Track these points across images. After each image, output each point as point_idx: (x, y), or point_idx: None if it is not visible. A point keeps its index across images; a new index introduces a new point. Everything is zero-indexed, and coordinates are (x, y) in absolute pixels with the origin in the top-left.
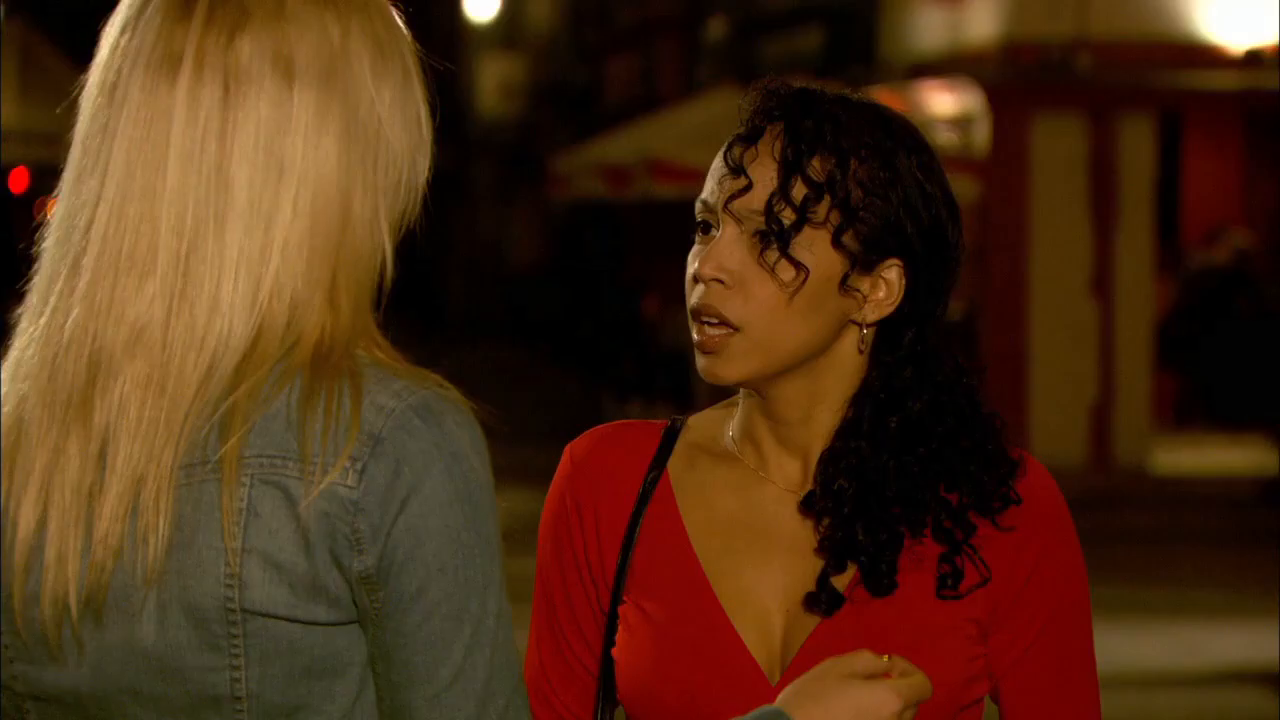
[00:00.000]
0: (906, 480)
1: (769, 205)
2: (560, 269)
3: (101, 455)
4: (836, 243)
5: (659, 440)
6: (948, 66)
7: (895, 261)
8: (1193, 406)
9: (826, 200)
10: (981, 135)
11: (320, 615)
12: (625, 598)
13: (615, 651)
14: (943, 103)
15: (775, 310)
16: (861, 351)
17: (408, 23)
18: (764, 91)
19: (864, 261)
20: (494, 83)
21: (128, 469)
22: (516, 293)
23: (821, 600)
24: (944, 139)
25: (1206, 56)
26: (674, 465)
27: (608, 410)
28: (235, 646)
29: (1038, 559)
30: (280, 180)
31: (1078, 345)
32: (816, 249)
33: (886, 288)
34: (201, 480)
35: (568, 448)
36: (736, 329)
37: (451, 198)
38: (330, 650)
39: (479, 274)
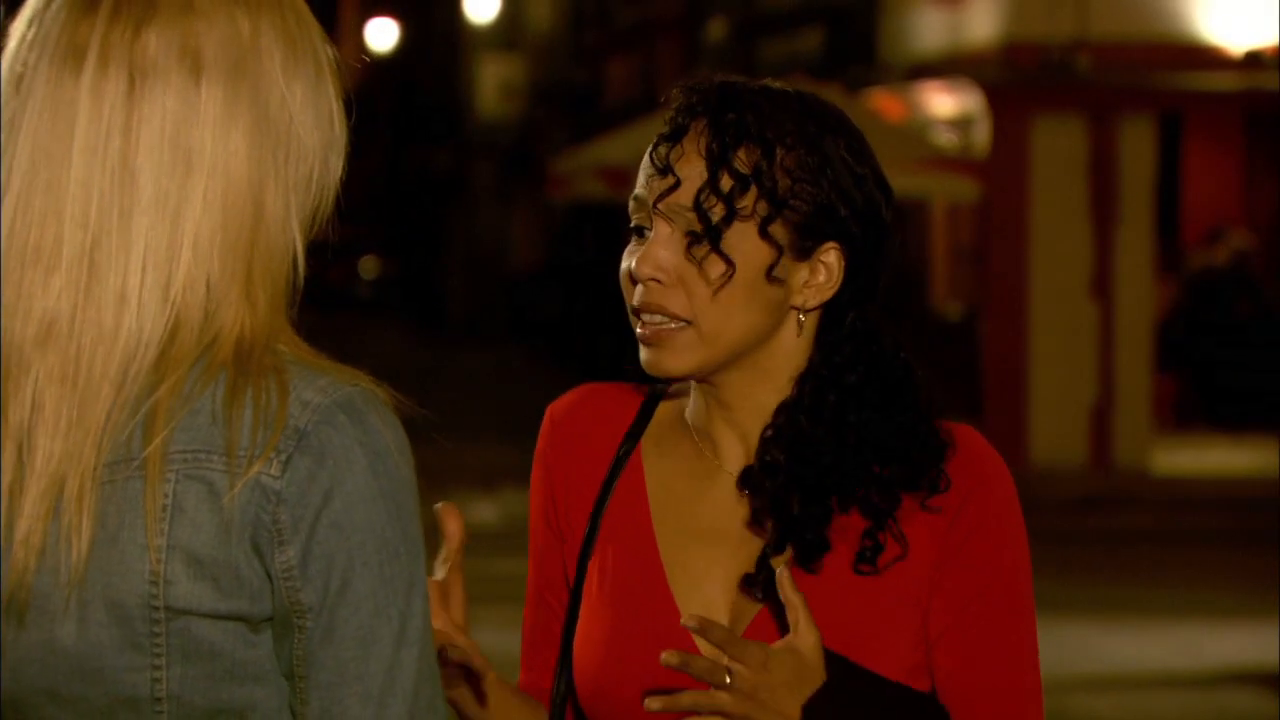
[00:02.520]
0: (840, 450)
1: (698, 200)
2: (560, 269)
3: (19, 454)
4: (763, 233)
5: (637, 410)
6: (948, 67)
7: (833, 245)
8: (1193, 408)
9: (753, 191)
10: (981, 136)
11: (243, 609)
12: (589, 568)
13: (576, 634)
14: (943, 103)
15: (716, 302)
16: (800, 335)
17: (408, 24)
18: (686, 89)
19: (799, 248)
20: (494, 83)
21: (48, 468)
22: (516, 293)
23: (758, 580)
24: (944, 140)
25: (1207, 57)
26: (647, 442)
27: None
28: (157, 646)
29: (970, 528)
30: (188, 174)
31: (1078, 345)
32: (748, 241)
33: (826, 272)
34: (126, 478)
35: (548, 408)
36: (688, 322)
37: (451, 198)
38: (252, 655)
39: (479, 274)
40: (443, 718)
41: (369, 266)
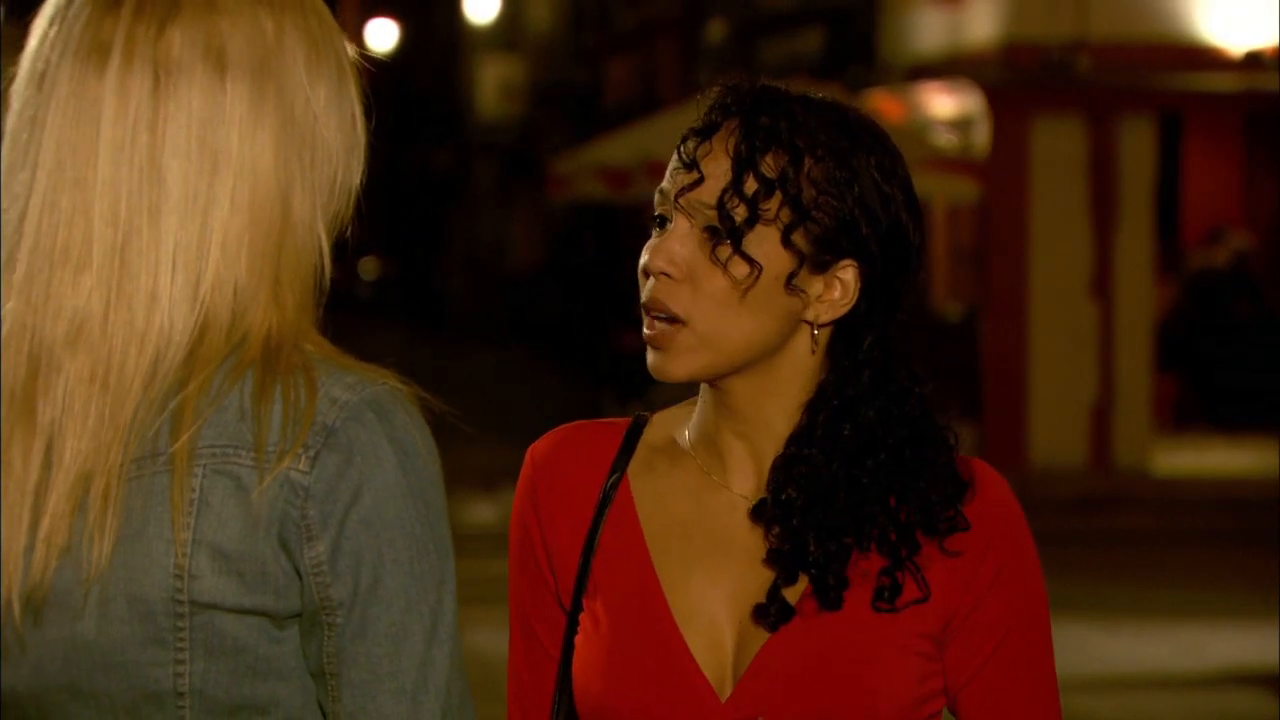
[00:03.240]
0: (856, 492)
1: (721, 200)
2: (560, 270)
3: (48, 452)
4: (786, 241)
5: (620, 442)
6: (947, 68)
7: (850, 262)
8: (1193, 408)
9: (778, 197)
10: (981, 137)
11: (268, 604)
12: (584, 604)
13: (575, 662)
14: (942, 104)
15: (722, 305)
16: (814, 353)
17: (408, 24)
18: (724, 87)
19: (816, 261)
20: (494, 84)
21: (75, 465)
22: (516, 293)
23: (770, 613)
24: (944, 141)
25: (1207, 58)
26: (634, 469)
27: (607, 411)
28: (181, 640)
29: (995, 573)
30: (215, 173)
31: (1078, 346)
32: (766, 246)
33: (841, 288)
34: (153, 473)
35: (529, 451)
36: (683, 322)
37: (451, 198)
38: (276, 651)
39: (479, 275)
40: (473, 713)
41: (369, 266)
